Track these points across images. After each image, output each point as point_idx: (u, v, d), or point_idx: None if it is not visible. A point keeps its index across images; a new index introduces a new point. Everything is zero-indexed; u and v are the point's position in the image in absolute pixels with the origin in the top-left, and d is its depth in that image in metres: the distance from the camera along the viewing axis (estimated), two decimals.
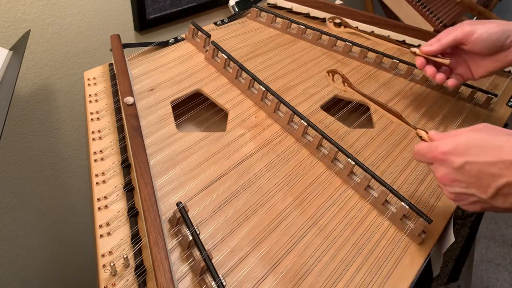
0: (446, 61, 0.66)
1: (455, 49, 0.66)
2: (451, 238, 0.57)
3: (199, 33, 0.84)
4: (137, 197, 0.53)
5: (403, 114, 0.76)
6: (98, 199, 0.54)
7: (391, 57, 0.86)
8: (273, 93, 0.70)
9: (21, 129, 0.87)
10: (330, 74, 0.70)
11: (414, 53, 0.68)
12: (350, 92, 0.68)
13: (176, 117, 0.69)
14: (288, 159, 0.64)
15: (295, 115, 0.67)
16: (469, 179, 0.44)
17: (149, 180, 0.52)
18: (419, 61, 0.67)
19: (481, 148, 0.43)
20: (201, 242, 0.47)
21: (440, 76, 0.67)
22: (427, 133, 0.52)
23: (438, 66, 0.68)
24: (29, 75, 0.83)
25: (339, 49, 0.89)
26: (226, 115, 0.71)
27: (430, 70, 0.67)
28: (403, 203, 0.55)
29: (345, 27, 0.86)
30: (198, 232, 0.48)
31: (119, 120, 0.65)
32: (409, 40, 0.97)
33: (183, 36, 0.88)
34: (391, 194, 0.57)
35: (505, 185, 0.41)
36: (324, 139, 0.64)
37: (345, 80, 0.68)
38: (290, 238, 0.53)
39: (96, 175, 0.58)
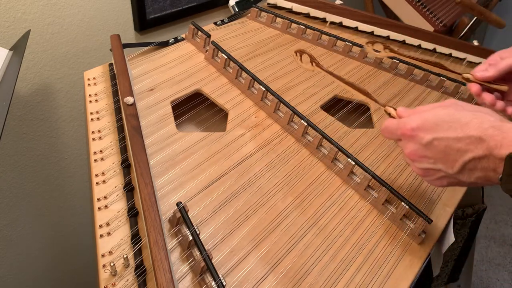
0: (504, 87, 0.60)
1: (508, 74, 0.60)
2: (451, 238, 0.57)
3: (199, 33, 0.84)
4: (137, 197, 0.53)
5: None
6: (98, 199, 0.54)
7: (391, 57, 0.86)
8: (273, 93, 0.70)
9: (21, 129, 0.87)
10: (298, 54, 0.68)
11: (467, 80, 0.61)
12: (325, 75, 0.67)
13: (176, 117, 0.69)
14: (288, 159, 0.64)
15: (295, 115, 0.67)
16: (436, 155, 0.44)
17: (149, 180, 0.52)
18: (474, 88, 0.60)
19: (449, 124, 0.43)
20: (201, 242, 0.47)
21: (500, 104, 0.60)
22: (395, 110, 0.52)
23: (490, 92, 0.62)
24: (29, 75, 0.83)
25: (339, 49, 0.89)
26: (226, 115, 0.71)
27: (489, 98, 0.60)
28: (403, 203, 0.55)
29: (389, 50, 0.77)
30: (198, 232, 0.48)
31: (119, 120, 0.65)
32: (409, 40, 0.97)
33: (183, 36, 0.88)
34: (391, 194, 0.57)
35: (471, 160, 0.42)
36: (324, 139, 0.64)
37: (312, 60, 0.67)
38: (290, 238, 0.53)
39: (96, 175, 0.58)
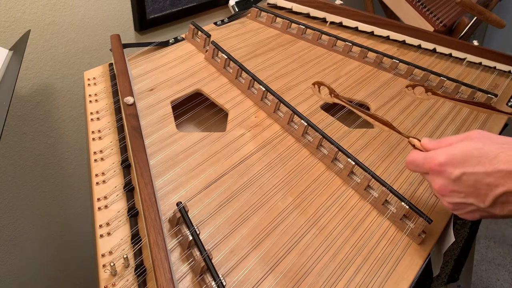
0: None
1: None
2: (451, 238, 0.57)
3: (199, 33, 0.84)
4: (137, 197, 0.53)
5: (403, 114, 0.76)
6: (98, 199, 0.54)
7: (391, 57, 0.86)
8: (273, 93, 0.70)
9: (21, 129, 0.87)
10: (316, 86, 0.69)
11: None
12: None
13: (176, 117, 0.69)
14: (288, 159, 0.64)
15: (295, 115, 0.67)
16: (467, 189, 0.44)
17: (149, 180, 0.52)
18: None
19: (477, 158, 0.43)
20: (201, 242, 0.47)
21: None
22: (419, 141, 0.52)
23: None
24: (29, 75, 0.83)
25: (339, 49, 0.89)
26: (226, 115, 0.71)
27: None
28: (403, 203, 0.55)
29: (432, 93, 0.73)
30: (198, 232, 0.48)
31: (119, 120, 0.65)
32: (409, 40, 0.97)
33: (183, 36, 0.88)
34: (391, 194, 0.57)
35: (503, 194, 0.42)
36: (324, 139, 0.64)
37: (331, 91, 0.67)
38: (290, 238, 0.53)
39: (96, 175, 0.58)
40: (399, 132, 0.59)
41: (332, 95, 0.67)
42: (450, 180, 0.45)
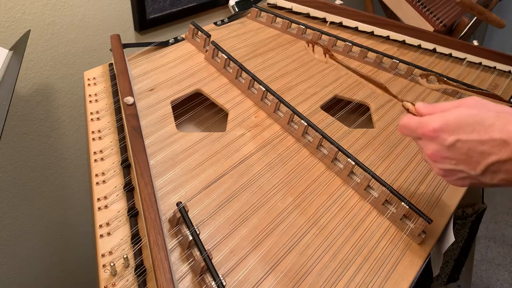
0: None
1: None
2: (451, 238, 0.57)
3: (199, 33, 0.84)
4: (137, 197, 0.53)
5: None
6: (98, 199, 0.54)
7: (391, 57, 0.86)
8: (273, 93, 0.70)
9: (21, 129, 0.87)
10: (310, 45, 0.66)
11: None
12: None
13: (176, 117, 0.69)
14: (288, 159, 0.64)
15: (295, 115, 0.67)
16: (459, 157, 0.44)
17: (149, 180, 0.52)
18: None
19: (472, 126, 0.42)
20: (201, 242, 0.47)
21: None
22: (413, 105, 0.50)
23: None
24: (29, 75, 0.83)
25: (339, 49, 0.89)
26: (226, 115, 0.71)
27: None
28: (403, 203, 0.55)
29: (443, 82, 0.73)
30: (198, 232, 0.48)
31: (119, 120, 0.65)
32: (409, 40, 0.97)
33: (183, 36, 0.88)
34: (391, 194, 0.57)
35: (495, 163, 0.42)
36: (324, 139, 0.64)
37: (326, 51, 0.64)
38: (290, 238, 0.53)
39: (96, 175, 0.58)
40: (392, 95, 0.56)
41: (327, 55, 0.65)
42: (443, 147, 0.45)
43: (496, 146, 0.41)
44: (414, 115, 0.49)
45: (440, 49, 0.96)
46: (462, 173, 0.45)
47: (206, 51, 0.82)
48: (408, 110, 0.51)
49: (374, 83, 0.58)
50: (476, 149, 0.42)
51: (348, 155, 0.61)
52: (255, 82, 0.73)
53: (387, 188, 0.56)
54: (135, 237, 0.49)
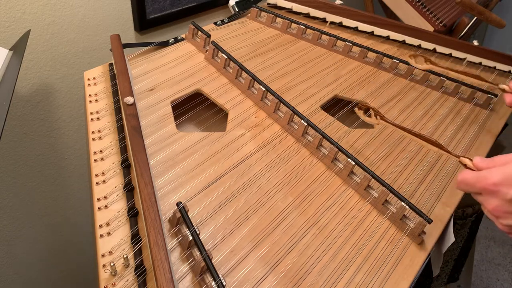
0: None
1: None
2: (451, 238, 0.57)
3: (199, 33, 0.84)
4: (137, 197, 0.53)
5: (403, 114, 0.76)
6: (98, 199, 0.54)
7: (391, 57, 0.86)
8: (273, 93, 0.70)
9: (21, 129, 0.87)
10: (360, 109, 0.68)
11: (503, 90, 0.60)
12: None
13: (176, 117, 0.69)
14: (288, 159, 0.64)
15: (295, 115, 0.67)
16: None
17: (149, 180, 0.52)
18: (508, 98, 0.59)
19: None
20: (201, 242, 0.47)
21: None
22: (471, 160, 0.49)
23: None
24: (29, 75, 0.83)
25: (339, 49, 0.89)
26: (226, 115, 0.71)
27: None
28: (403, 203, 0.55)
29: (430, 62, 0.77)
30: (198, 232, 0.48)
31: (119, 120, 0.65)
32: (409, 40, 0.97)
33: (183, 36, 0.88)
34: (391, 194, 0.57)
35: None
36: (324, 139, 0.64)
37: (377, 113, 0.67)
38: (290, 238, 0.53)
39: (96, 175, 0.58)
40: (448, 152, 0.57)
41: (378, 116, 0.67)
42: (505, 201, 0.43)
43: None
44: (472, 170, 0.48)
45: (440, 49, 0.96)
46: None
47: (206, 51, 0.82)
48: (466, 166, 0.50)
49: (429, 142, 0.59)
50: None
51: (348, 155, 0.61)
52: (255, 82, 0.73)
53: (387, 188, 0.56)
54: (135, 237, 0.49)
